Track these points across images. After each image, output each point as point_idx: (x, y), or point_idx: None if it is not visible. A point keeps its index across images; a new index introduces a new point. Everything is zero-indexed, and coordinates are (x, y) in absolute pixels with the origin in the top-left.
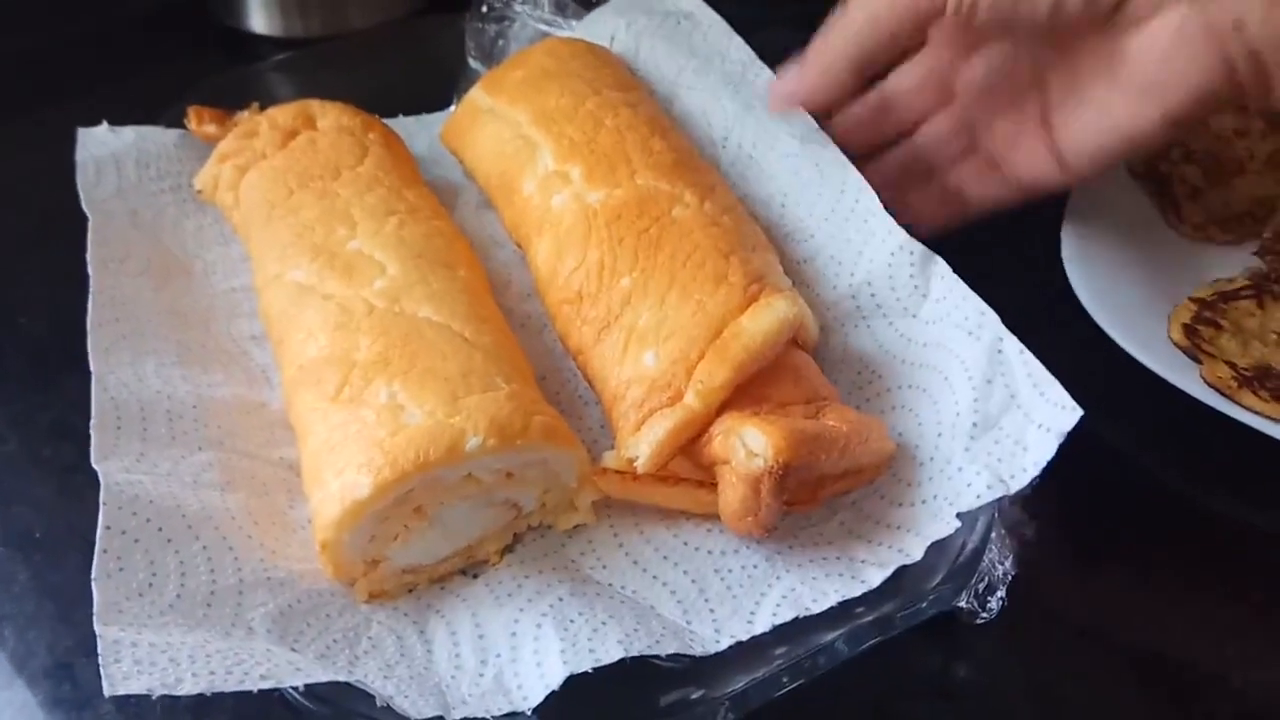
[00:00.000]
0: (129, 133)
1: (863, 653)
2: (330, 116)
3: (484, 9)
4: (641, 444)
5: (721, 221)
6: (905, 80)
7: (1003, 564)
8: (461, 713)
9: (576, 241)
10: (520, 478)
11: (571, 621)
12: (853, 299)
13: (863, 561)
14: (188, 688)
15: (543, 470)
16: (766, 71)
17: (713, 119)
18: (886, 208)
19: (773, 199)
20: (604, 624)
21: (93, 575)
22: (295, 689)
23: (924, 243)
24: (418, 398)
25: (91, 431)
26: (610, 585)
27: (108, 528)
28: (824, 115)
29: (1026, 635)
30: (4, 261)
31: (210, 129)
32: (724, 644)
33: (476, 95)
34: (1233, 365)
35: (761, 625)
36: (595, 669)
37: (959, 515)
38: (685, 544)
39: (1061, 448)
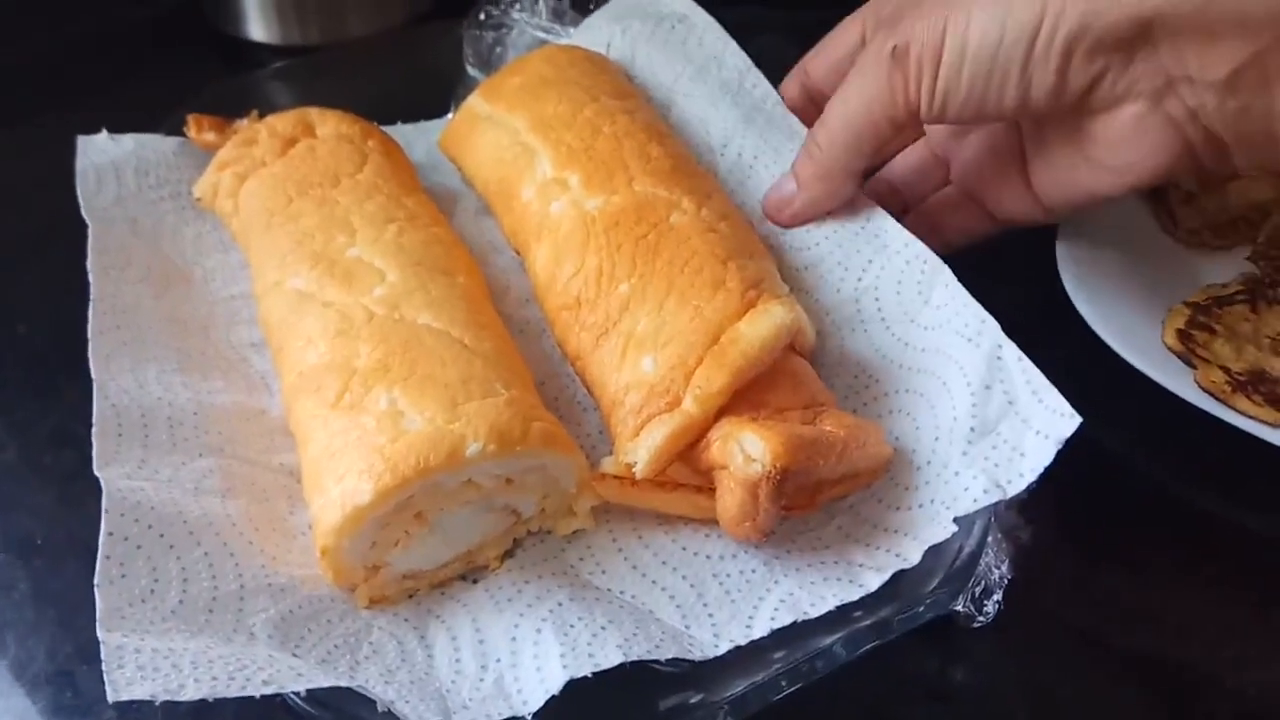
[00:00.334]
0: (129, 140)
1: (861, 656)
2: (329, 124)
3: (482, 16)
4: (640, 449)
5: (719, 228)
6: (908, 162)
7: (999, 568)
8: (462, 717)
9: (575, 248)
10: (520, 483)
11: (571, 626)
12: (856, 304)
13: (860, 566)
14: (190, 693)
15: (542, 476)
16: (763, 80)
17: (711, 126)
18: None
19: None
20: (603, 629)
21: (95, 581)
22: (297, 694)
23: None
24: (418, 404)
25: (93, 439)
26: (609, 590)
27: (110, 534)
28: None
29: (1023, 638)
30: (4, 268)
31: (209, 137)
32: (722, 648)
33: (475, 102)
34: (1227, 370)
35: (760, 629)
36: (595, 673)
37: (956, 520)
38: (684, 549)
39: (1058, 453)
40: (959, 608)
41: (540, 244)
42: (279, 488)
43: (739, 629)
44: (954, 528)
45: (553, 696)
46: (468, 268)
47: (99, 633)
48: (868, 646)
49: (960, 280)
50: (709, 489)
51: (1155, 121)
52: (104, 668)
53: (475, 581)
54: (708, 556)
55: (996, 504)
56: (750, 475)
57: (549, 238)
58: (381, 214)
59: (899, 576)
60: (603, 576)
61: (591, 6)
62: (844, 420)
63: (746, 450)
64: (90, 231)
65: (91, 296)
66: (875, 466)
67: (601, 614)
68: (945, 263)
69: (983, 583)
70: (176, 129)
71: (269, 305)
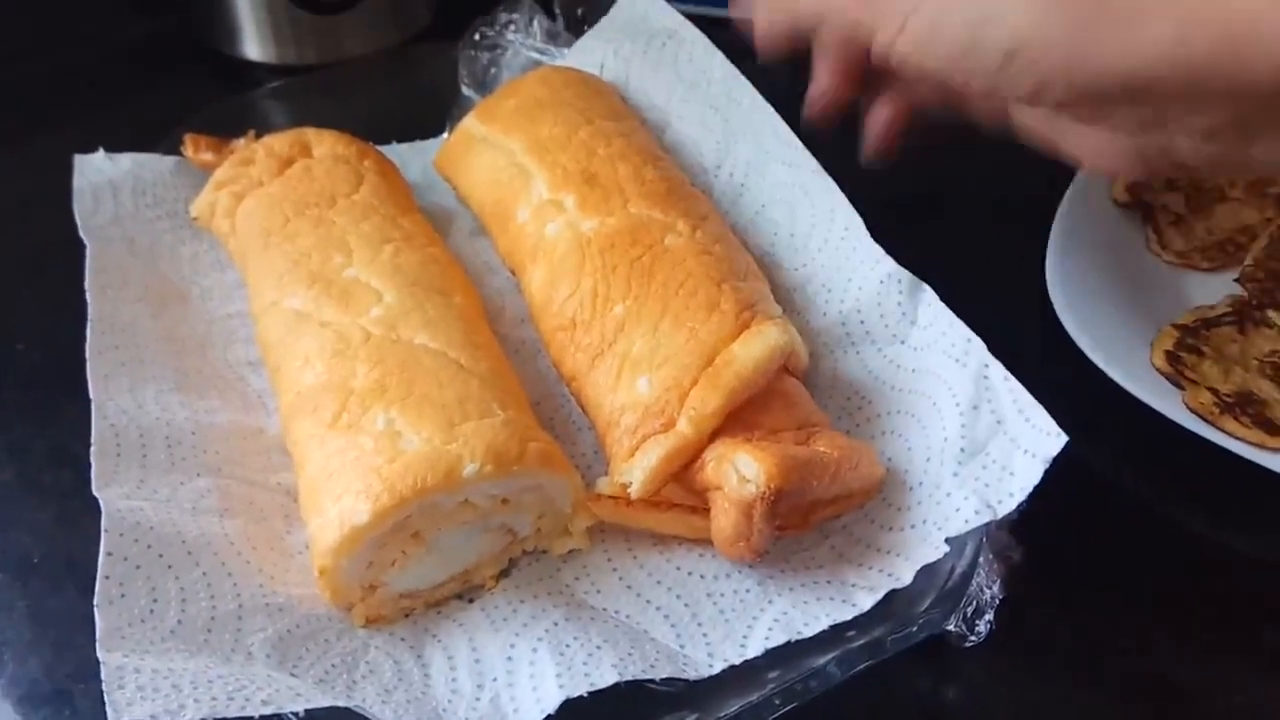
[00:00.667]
0: (126, 160)
1: (854, 676)
2: (326, 144)
3: (477, 37)
4: (635, 470)
5: (713, 250)
6: None
7: (990, 588)
8: None
9: (570, 269)
10: (516, 503)
11: (567, 646)
12: (843, 325)
13: (854, 585)
14: (190, 714)
15: (538, 496)
16: (749, 88)
17: (704, 148)
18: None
19: (764, 227)
20: (599, 648)
21: (95, 601)
22: (295, 714)
23: (910, 269)
24: (415, 424)
25: (92, 459)
26: (604, 609)
27: (110, 554)
28: (826, 125)
29: (1014, 658)
30: (1, 287)
31: (206, 156)
32: (717, 667)
33: (470, 124)
34: (1215, 391)
35: (754, 649)
36: (590, 693)
37: (947, 540)
38: (678, 569)
39: (1047, 473)
40: (951, 628)
41: (536, 265)
42: (276, 507)
43: (733, 648)
44: (946, 548)
45: (549, 716)
46: (464, 288)
47: (99, 653)
48: (861, 666)
49: (949, 299)
50: (704, 509)
51: (1126, 147)
52: (104, 688)
53: (471, 601)
54: (702, 576)
55: (987, 524)
56: (745, 496)
57: (544, 259)
58: (378, 234)
59: (892, 596)
60: (598, 596)
61: (585, 27)
62: (837, 441)
63: (741, 471)
64: (88, 250)
65: (89, 315)
66: (868, 487)
67: (597, 633)
68: (927, 282)
69: (975, 603)
70: (174, 148)
71: (266, 325)
